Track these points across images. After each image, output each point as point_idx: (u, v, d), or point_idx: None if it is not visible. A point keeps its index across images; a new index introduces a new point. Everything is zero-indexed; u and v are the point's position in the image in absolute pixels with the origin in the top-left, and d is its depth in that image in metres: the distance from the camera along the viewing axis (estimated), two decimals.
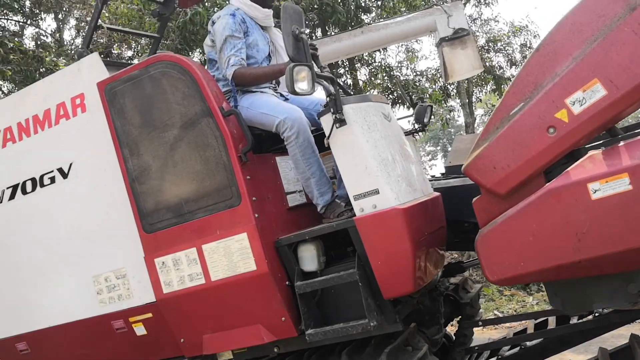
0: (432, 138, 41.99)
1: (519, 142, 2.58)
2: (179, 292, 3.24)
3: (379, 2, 12.70)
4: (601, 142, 2.59)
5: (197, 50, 10.59)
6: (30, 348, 3.88)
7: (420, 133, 4.34)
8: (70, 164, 3.57)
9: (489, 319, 6.57)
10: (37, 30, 14.30)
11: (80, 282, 3.59)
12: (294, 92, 2.73)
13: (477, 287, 4.53)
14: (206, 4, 10.09)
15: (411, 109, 4.30)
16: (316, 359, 3.25)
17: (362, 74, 14.43)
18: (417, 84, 13.86)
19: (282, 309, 3.06)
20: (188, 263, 3.20)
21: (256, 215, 3.03)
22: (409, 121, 4.38)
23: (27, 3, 13.10)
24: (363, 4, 12.20)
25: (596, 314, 3.73)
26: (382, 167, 2.89)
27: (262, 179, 3.21)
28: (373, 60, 14.12)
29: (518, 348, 4.19)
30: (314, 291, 3.06)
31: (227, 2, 3.58)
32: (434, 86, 14.41)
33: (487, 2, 16.00)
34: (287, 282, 3.10)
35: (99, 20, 3.93)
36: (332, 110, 2.85)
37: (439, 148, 44.49)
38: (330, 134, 2.89)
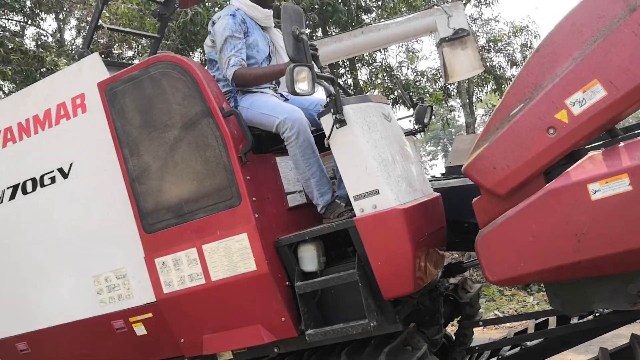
0: (432, 138, 41.99)
1: (519, 142, 2.58)
2: (179, 292, 3.24)
3: (380, 2, 12.69)
4: (601, 142, 2.60)
5: (198, 50, 10.59)
6: (30, 348, 3.88)
7: (420, 133, 4.34)
8: (71, 164, 3.58)
9: (490, 319, 6.58)
10: (37, 30, 14.32)
11: (81, 282, 3.60)
12: (294, 93, 2.73)
13: (477, 286, 4.53)
14: (207, 4, 10.09)
15: (412, 109, 4.30)
16: (316, 359, 3.25)
17: (363, 74, 14.45)
18: (417, 83, 13.86)
19: (282, 309, 3.06)
20: (188, 263, 3.20)
21: (256, 215, 3.03)
22: (410, 120, 4.38)
23: (28, 3, 13.10)
24: (364, 4, 12.20)
25: (597, 314, 3.73)
26: (382, 168, 2.89)
27: (262, 179, 3.21)
28: (374, 60, 14.12)
29: (519, 348, 4.19)
30: (314, 291, 3.06)
31: (227, 2, 3.59)
32: (434, 86, 14.41)
33: (487, 2, 15.99)
34: (287, 283, 3.10)
35: (100, 21, 3.93)
36: (332, 110, 2.85)
37: (439, 148, 44.50)
38: (330, 134, 2.89)
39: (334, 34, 10.55)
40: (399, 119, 4.01)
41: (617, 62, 2.38)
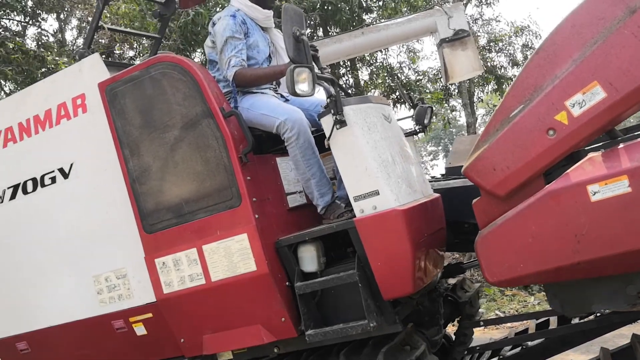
0: (433, 138, 41.97)
1: (519, 144, 2.59)
2: (179, 292, 3.25)
3: (380, 3, 12.70)
4: (601, 144, 2.60)
5: (199, 50, 10.60)
6: (30, 347, 3.88)
7: (420, 133, 4.33)
8: (71, 164, 3.58)
9: (491, 319, 6.57)
10: (38, 30, 14.32)
11: (81, 282, 3.60)
12: (295, 94, 2.74)
13: (476, 286, 4.54)
14: (209, 4, 10.09)
15: (412, 109, 4.30)
16: None
17: (364, 74, 14.46)
18: (418, 83, 13.87)
19: (282, 309, 3.06)
20: (188, 263, 3.20)
21: (256, 216, 3.04)
22: (412, 119, 4.38)
23: (30, 3, 13.11)
24: (364, 4, 12.21)
25: (597, 314, 3.73)
26: (382, 169, 2.89)
27: (263, 180, 3.21)
28: (375, 60, 14.13)
29: (519, 348, 4.20)
30: (313, 292, 3.06)
31: (228, 2, 3.59)
32: (435, 86, 14.42)
33: (488, 2, 16.01)
34: (287, 283, 3.10)
35: (100, 21, 3.94)
36: (332, 111, 2.85)
37: (440, 148, 44.47)
38: (330, 135, 2.90)
39: (334, 34, 10.56)
40: (399, 120, 4.01)
41: (617, 63, 2.39)
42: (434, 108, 13.34)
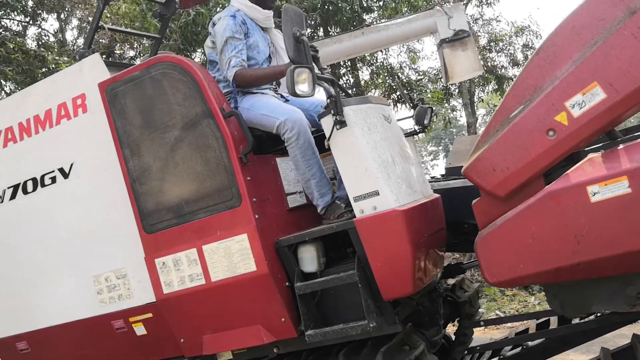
0: (434, 138, 41.96)
1: (519, 144, 2.59)
2: (179, 292, 3.25)
3: (381, 2, 12.70)
4: (601, 144, 2.60)
5: (199, 50, 10.60)
6: (30, 347, 3.89)
7: (420, 134, 4.34)
8: (71, 164, 3.58)
9: (491, 319, 6.57)
10: (39, 30, 14.33)
11: (81, 281, 3.60)
12: (295, 94, 2.74)
13: (475, 285, 4.54)
14: (210, 4, 10.09)
15: (412, 109, 4.30)
16: None
17: (365, 74, 14.46)
18: (418, 82, 13.87)
19: (282, 309, 3.06)
20: (188, 263, 3.20)
21: (256, 216, 3.04)
22: (412, 119, 4.37)
23: (30, 3, 13.11)
24: (365, 4, 12.21)
25: (598, 314, 3.73)
26: (382, 169, 2.89)
27: (263, 180, 3.22)
28: (375, 60, 14.13)
29: (520, 348, 4.19)
30: (313, 292, 3.07)
31: (228, 2, 3.59)
32: (435, 86, 14.42)
33: (488, 2, 16.01)
34: (287, 283, 3.11)
35: (101, 21, 3.94)
36: (332, 111, 2.85)
37: (440, 148, 44.45)
38: (330, 135, 2.90)
39: (335, 34, 10.56)
40: (399, 120, 4.01)
41: (617, 64, 2.39)
42: (434, 108, 13.37)
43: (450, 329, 4.75)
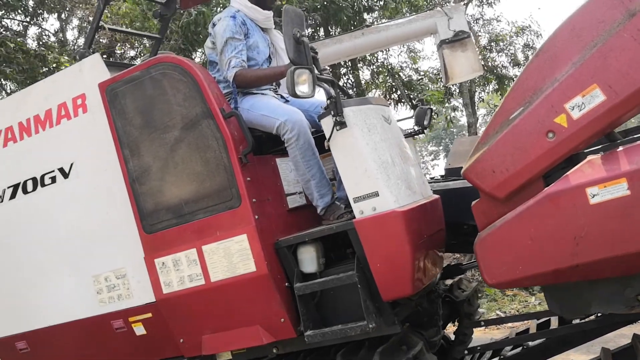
0: (434, 138, 41.96)
1: (518, 146, 2.59)
2: (178, 292, 3.25)
3: (381, 3, 12.70)
4: (600, 146, 2.60)
5: (200, 50, 10.60)
6: (30, 347, 3.89)
7: (420, 135, 4.33)
8: (71, 164, 3.59)
9: (492, 319, 6.58)
10: (40, 30, 14.33)
11: (80, 281, 3.61)
12: (295, 95, 2.74)
13: (473, 285, 4.54)
14: (211, 3, 10.09)
15: (412, 109, 4.30)
16: None
17: (365, 73, 14.46)
18: (419, 82, 13.87)
19: (282, 310, 3.07)
20: (188, 264, 3.21)
21: (256, 216, 3.04)
22: (413, 118, 4.37)
23: (31, 3, 13.11)
24: (366, 3, 12.21)
25: (598, 314, 3.73)
26: (381, 170, 2.90)
27: (262, 181, 3.22)
28: (376, 60, 14.13)
29: (520, 348, 4.19)
30: (313, 293, 3.07)
31: (229, 2, 3.60)
32: (436, 85, 14.42)
33: (489, 1, 16.01)
34: (286, 284, 3.11)
35: (101, 21, 3.94)
36: (332, 112, 2.85)
37: (441, 148, 44.44)
38: (330, 136, 2.90)
39: (335, 34, 10.56)
40: (399, 120, 4.01)
41: (617, 66, 2.39)
42: (435, 108, 13.37)
43: (451, 329, 4.75)
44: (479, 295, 8.44)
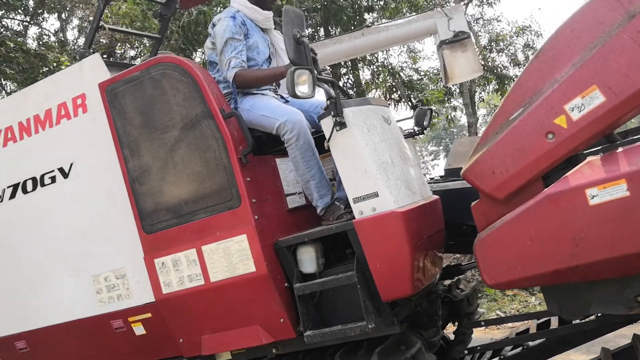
0: (434, 138, 41.99)
1: (518, 147, 2.60)
2: (178, 292, 3.25)
3: (382, 3, 12.70)
4: (599, 148, 2.60)
5: (200, 50, 10.60)
6: (29, 347, 3.89)
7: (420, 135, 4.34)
8: (71, 164, 3.59)
9: (492, 319, 6.58)
10: (40, 30, 14.33)
11: (80, 281, 3.61)
12: (295, 96, 2.74)
13: (472, 284, 4.54)
14: (212, 2, 10.08)
15: (412, 110, 4.30)
16: None
17: (366, 73, 14.46)
18: (419, 82, 13.87)
19: (281, 310, 3.07)
20: (187, 264, 3.21)
21: (256, 217, 3.04)
22: (413, 118, 4.37)
23: (31, 2, 13.10)
24: (366, 3, 12.22)
25: (598, 314, 3.74)
26: (381, 170, 2.90)
27: (262, 181, 3.22)
28: (376, 60, 14.13)
29: (520, 348, 4.20)
30: (312, 293, 3.07)
31: (229, 2, 3.60)
32: (436, 85, 14.42)
33: (489, 1, 16.01)
34: (286, 284, 3.11)
35: (101, 21, 3.94)
36: (332, 113, 2.85)
37: (441, 148, 44.46)
38: (330, 136, 2.90)
39: (335, 34, 10.56)
40: (399, 121, 4.02)
41: (616, 68, 2.40)
42: (435, 108, 13.38)
43: (451, 329, 4.76)
44: (479, 295, 8.45)
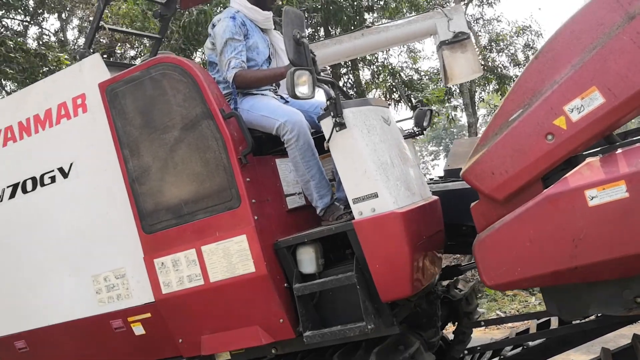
0: (434, 138, 41.99)
1: (518, 148, 2.60)
2: (177, 292, 3.25)
3: (382, 3, 12.70)
4: (599, 149, 2.61)
5: (200, 50, 10.60)
6: (28, 346, 3.89)
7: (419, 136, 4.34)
8: (71, 164, 3.59)
9: (492, 319, 6.58)
10: (39, 29, 14.33)
11: (80, 281, 3.61)
12: (295, 96, 2.75)
13: (470, 284, 4.54)
14: (212, 2, 10.08)
15: (412, 110, 4.31)
16: None
17: (366, 73, 14.47)
18: (420, 82, 13.87)
19: (281, 310, 3.07)
20: (187, 264, 3.21)
21: (255, 217, 3.04)
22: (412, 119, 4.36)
23: (31, 2, 13.10)
24: (366, 3, 12.22)
25: (598, 315, 3.74)
26: (381, 171, 2.90)
27: (262, 181, 3.22)
28: (376, 60, 14.13)
29: (520, 348, 4.20)
30: (312, 293, 3.07)
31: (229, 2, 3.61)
32: (437, 85, 14.42)
33: (489, 1, 16.02)
34: (285, 284, 3.11)
35: (101, 21, 3.94)
36: (332, 113, 2.86)
37: (441, 148, 44.46)
38: (330, 137, 2.90)
39: (335, 34, 10.56)
40: (399, 121, 4.02)
41: (616, 69, 2.40)
42: (435, 107, 13.38)
43: (451, 329, 4.76)
44: (479, 295, 8.45)
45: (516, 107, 2.65)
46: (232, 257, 3.08)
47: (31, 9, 13.22)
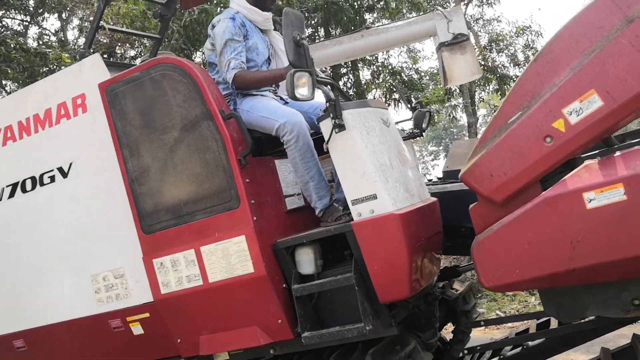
0: (434, 138, 41.95)
1: (516, 150, 2.60)
2: (176, 292, 3.26)
3: (382, 3, 12.70)
4: (597, 151, 2.61)
5: (201, 50, 10.59)
6: (27, 345, 3.89)
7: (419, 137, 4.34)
8: (71, 164, 3.59)
9: (491, 319, 6.59)
10: (40, 29, 14.32)
11: (79, 280, 3.61)
12: (295, 98, 2.75)
13: (467, 283, 4.54)
14: (214, 2, 10.08)
15: (411, 111, 4.31)
16: None
17: (367, 74, 14.46)
18: (420, 82, 13.87)
19: (279, 311, 3.08)
20: (186, 264, 3.21)
21: (255, 218, 3.05)
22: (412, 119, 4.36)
23: (31, 2, 13.09)
24: (367, 3, 12.23)
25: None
26: (380, 173, 2.91)
27: (261, 182, 3.23)
28: (376, 60, 14.13)
29: (520, 348, 4.20)
30: (310, 294, 3.08)
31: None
32: (437, 85, 14.41)
33: (489, 2, 16.02)
34: (284, 285, 3.12)
35: (101, 21, 3.94)
36: (331, 115, 2.86)
37: (441, 148, 44.41)
38: (329, 138, 2.91)
39: (336, 34, 10.56)
40: (398, 122, 4.02)
41: (614, 72, 2.40)
42: (436, 107, 13.37)
43: (450, 329, 4.76)
44: (479, 295, 8.46)
45: (515, 110, 2.65)
46: (231, 257, 3.09)
47: (31, 9, 13.20)
